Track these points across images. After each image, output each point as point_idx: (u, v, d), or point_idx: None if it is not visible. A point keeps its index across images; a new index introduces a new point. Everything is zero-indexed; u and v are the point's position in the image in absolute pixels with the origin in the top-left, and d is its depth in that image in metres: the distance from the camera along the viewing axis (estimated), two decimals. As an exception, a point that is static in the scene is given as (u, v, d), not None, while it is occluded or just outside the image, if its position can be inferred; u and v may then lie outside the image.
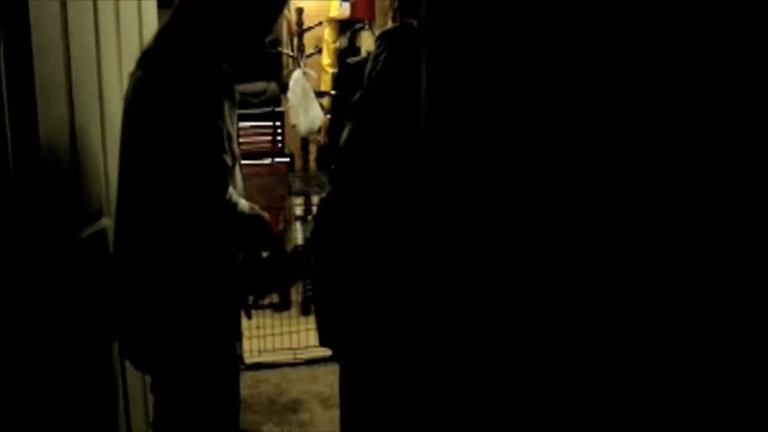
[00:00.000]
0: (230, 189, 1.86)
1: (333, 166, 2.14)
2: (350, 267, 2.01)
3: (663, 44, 1.29)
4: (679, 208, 1.29)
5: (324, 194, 2.40)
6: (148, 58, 1.91)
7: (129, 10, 2.36)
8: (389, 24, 2.16)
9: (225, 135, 1.83)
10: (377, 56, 1.99)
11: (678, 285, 1.31)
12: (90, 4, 2.05)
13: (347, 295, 2.03)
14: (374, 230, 1.96)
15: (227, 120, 1.85)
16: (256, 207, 1.98)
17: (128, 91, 1.94)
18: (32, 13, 1.67)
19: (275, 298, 4.32)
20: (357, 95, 2.02)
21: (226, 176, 1.84)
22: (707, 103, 1.25)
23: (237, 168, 1.98)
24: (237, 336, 2.09)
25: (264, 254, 2.02)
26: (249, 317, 2.11)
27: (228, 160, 1.84)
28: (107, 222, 2.10)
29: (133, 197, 1.90)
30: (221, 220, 1.87)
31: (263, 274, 2.05)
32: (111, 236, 2.06)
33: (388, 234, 1.93)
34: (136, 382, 2.34)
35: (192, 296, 1.90)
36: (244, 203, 1.92)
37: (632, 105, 1.29)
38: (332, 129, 4.46)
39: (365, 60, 2.23)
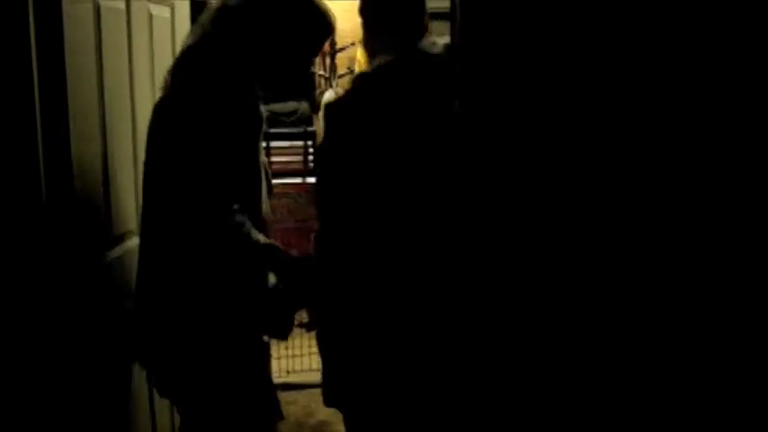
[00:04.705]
0: (246, 221, 1.81)
1: None
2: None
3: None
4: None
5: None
6: (164, 82, 1.89)
7: (162, 31, 2.38)
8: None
9: (242, 155, 1.83)
10: None
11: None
12: (124, 25, 2.07)
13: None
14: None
15: (253, 135, 1.86)
16: (271, 239, 1.93)
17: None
18: (67, 34, 1.69)
19: (305, 317, 4.27)
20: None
21: (230, 206, 1.79)
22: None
23: (264, 186, 1.96)
24: (261, 361, 2.07)
25: (271, 283, 1.95)
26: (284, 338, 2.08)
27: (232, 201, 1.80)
28: (136, 243, 2.10)
29: (150, 220, 1.88)
30: (231, 249, 1.84)
31: (274, 302, 1.99)
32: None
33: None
34: (163, 405, 2.33)
35: (203, 324, 1.86)
36: (256, 233, 1.85)
37: (687, 143, 1.30)
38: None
39: None
